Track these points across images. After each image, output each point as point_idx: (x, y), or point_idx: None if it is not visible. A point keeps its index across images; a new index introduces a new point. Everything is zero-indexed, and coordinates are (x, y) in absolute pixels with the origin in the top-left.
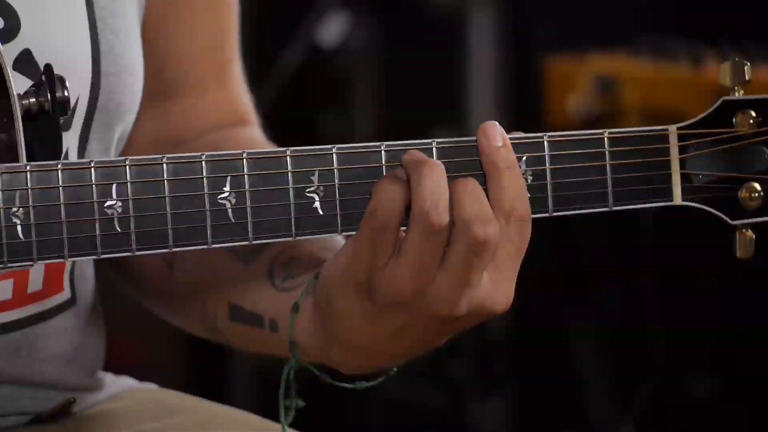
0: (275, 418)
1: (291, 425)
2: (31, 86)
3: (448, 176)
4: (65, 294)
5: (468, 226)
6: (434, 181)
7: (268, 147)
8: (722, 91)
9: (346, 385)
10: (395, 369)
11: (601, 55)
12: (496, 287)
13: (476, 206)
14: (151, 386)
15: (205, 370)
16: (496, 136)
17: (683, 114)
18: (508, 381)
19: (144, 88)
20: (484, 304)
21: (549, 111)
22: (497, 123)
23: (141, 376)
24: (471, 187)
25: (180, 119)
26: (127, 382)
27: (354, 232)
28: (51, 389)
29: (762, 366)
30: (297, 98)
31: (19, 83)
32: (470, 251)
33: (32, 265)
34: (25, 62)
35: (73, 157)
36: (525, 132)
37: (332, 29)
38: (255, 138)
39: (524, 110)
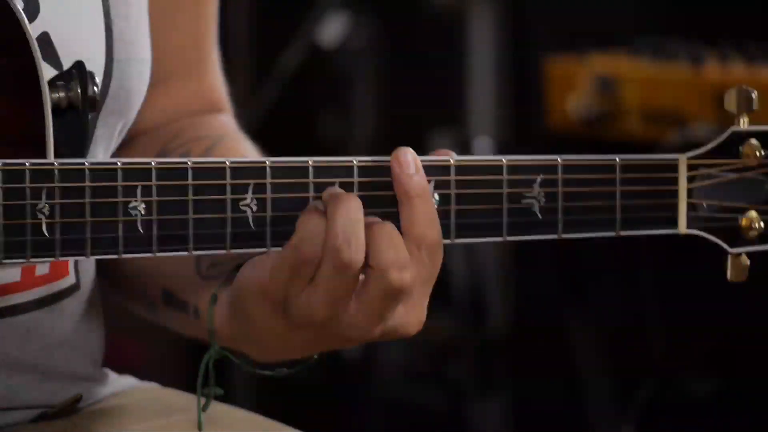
0: (275, 417)
1: (291, 425)
2: (59, 80)
3: (372, 211)
4: (70, 278)
5: (384, 273)
6: (348, 217)
7: (238, 134)
8: (722, 91)
9: (266, 373)
10: (316, 357)
11: (601, 55)
12: (408, 313)
13: (392, 252)
14: (152, 385)
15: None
16: (409, 164)
17: (683, 115)
18: (507, 381)
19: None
20: (396, 329)
21: (549, 111)
22: (410, 149)
23: (142, 376)
24: (388, 231)
25: (161, 107)
26: (128, 381)
27: None
28: (58, 380)
29: (762, 366)
30: (297, 98)
31: None
32: (386, 295)
33: (54, 260)
34: (44, 45)
35: None
36: (524, 132)
37: (332, 29)
38: (227, 124)
39: (524, 110)
